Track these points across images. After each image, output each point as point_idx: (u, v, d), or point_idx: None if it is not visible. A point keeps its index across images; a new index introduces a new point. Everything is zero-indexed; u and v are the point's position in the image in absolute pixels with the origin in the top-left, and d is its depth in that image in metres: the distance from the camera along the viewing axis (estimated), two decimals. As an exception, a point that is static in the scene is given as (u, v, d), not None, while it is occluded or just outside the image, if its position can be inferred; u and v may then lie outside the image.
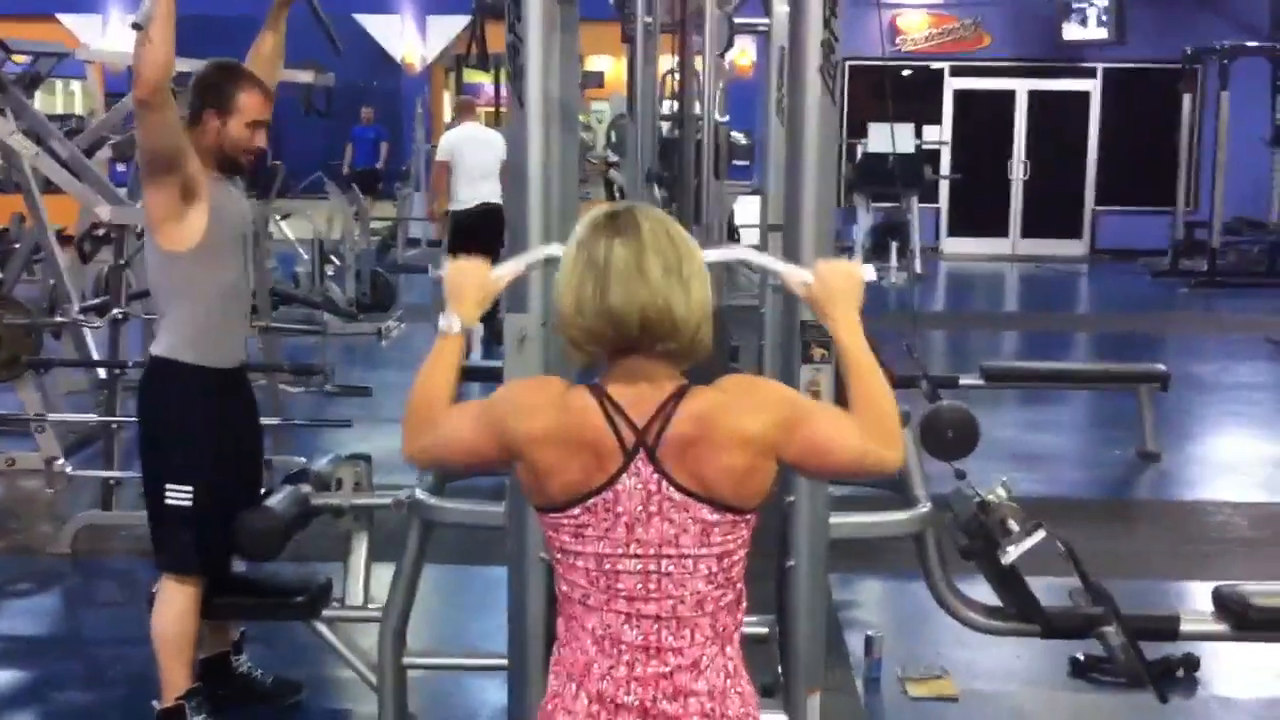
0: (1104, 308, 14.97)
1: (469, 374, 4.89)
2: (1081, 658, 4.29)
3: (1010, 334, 12.60)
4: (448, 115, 19.30)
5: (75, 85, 19.54)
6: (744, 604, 2.12)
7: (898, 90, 17.67)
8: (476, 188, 9.80)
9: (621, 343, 2.04)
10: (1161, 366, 7.57)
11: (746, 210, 11.24)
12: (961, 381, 7.15)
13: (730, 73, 14.35)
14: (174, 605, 3.68)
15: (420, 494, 3.63)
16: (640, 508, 2.01)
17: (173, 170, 3.49)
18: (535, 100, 3.12)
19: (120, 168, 8.90)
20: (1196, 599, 4.77)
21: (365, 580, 3.91)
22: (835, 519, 3.37)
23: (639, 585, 2.02)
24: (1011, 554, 3.42)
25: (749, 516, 2.06)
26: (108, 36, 17.56)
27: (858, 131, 16.34)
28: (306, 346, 9.14)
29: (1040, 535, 3.43)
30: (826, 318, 2.23)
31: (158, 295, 3.74)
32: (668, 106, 9.40)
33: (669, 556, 2.01)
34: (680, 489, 2.00)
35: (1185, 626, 3.73)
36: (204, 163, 3.60)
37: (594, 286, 2.01)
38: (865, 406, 2.12)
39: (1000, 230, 18.38)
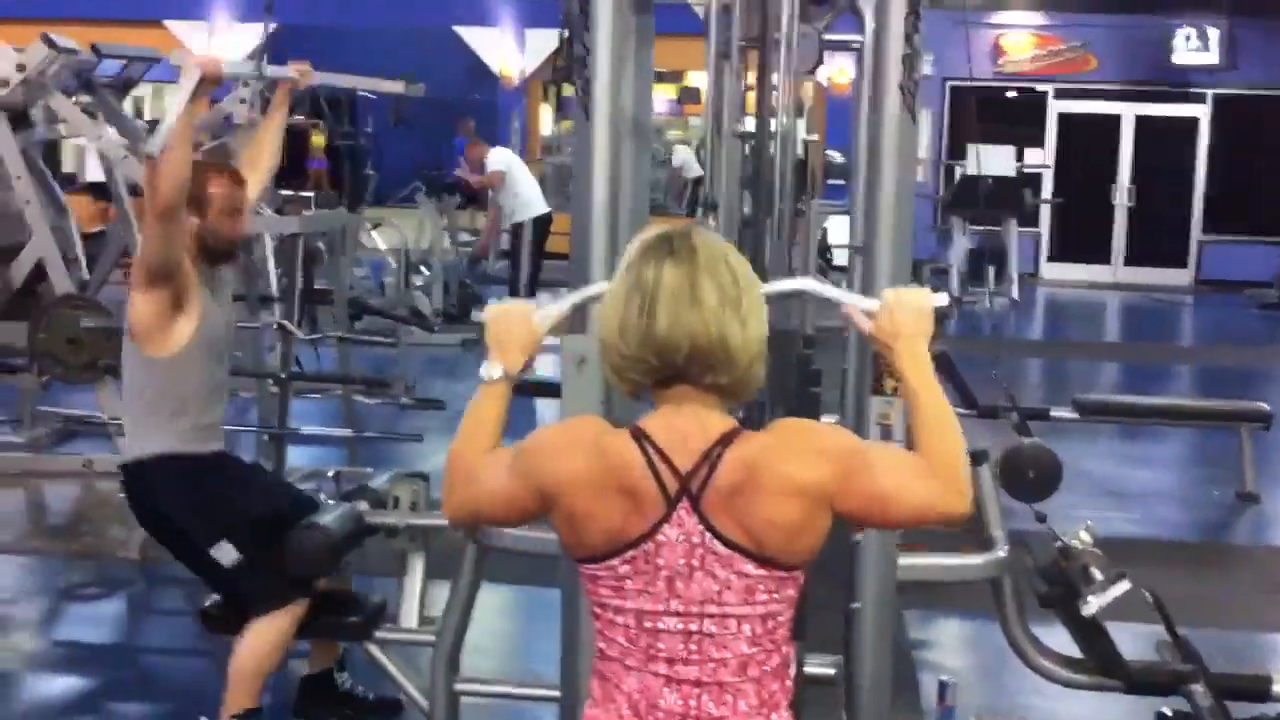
0: (1207, 340, 14.54)
1: (538, 390, 4.78)
2: (1169, 714, 4.06)
3: (1109, 365, 12.23)
4: (546, 129, 19.34)
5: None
6: (792, 668, 1.96)
7: (1000, 112, 17.37)
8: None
9: (667, 372, 1.90)
10: (1265, 405, 7.25)
11: (841, 230, 11.06)
12: (1053, 414, 6.91)
13: (825, 92, 14.17)
14: (264, 639, 3.60)
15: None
16: (682, 561, 1.87)
17: (169, 281, 3.51)
18: (603, 113, 3.00)
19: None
20: (1293, 655, 4.52)
21: (421, 601, 3.81)
22: (905, 560, 3.20)
23: (680, 646, 1.88)
24: (1093, 605, 3.23)
25: (797, 574, 1.91)
26: (213, 42, 17.81)
27: (958, 154, 16.06)
28: (390, 357, 9.10)
29: (1124, 586, 3.24)
30: (890, 351, 2.07)
31: (132, 397, 3.71)
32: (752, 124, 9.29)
33: (711, 616, 1.87)
34: (725, 542, 1.86)
35: (1279, 687, 3.51)
36: (192, 259, 3.61)
37: (640, 310, 1.88)
38: (931, 451, 1.95)
39: (1102, 257, 17.96)
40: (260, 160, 4.15)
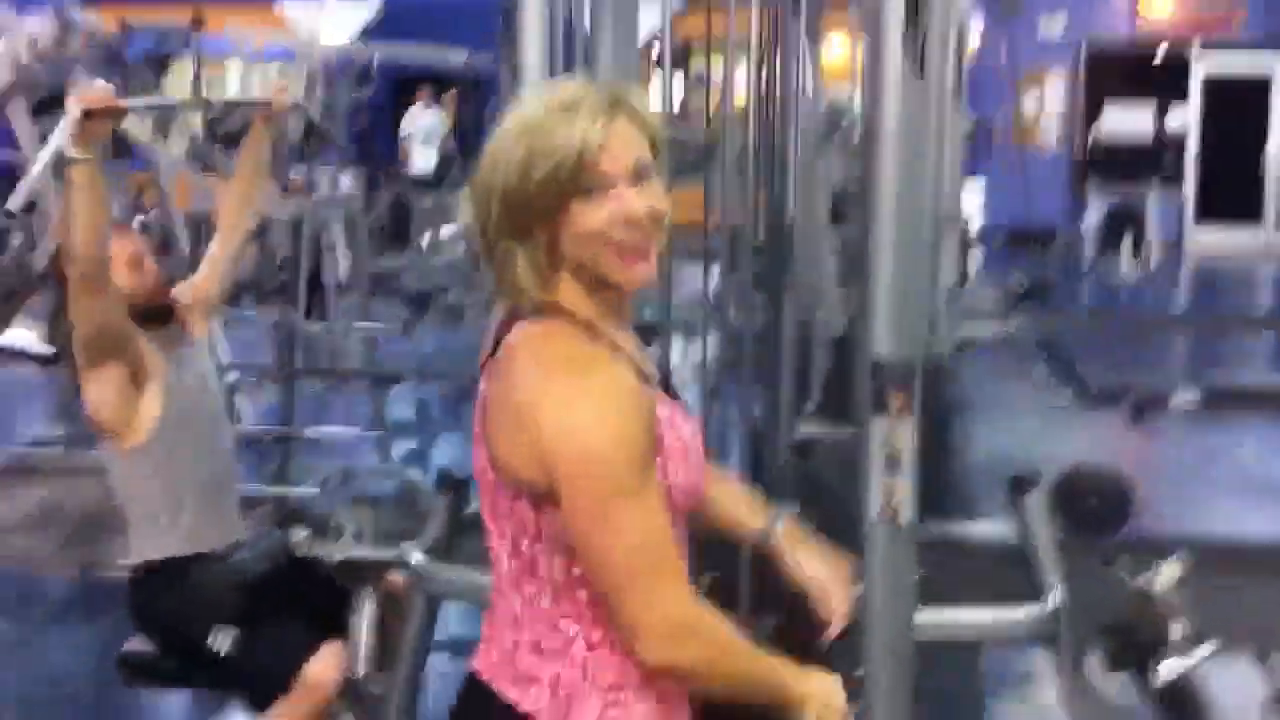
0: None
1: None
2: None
3: (1258, 344, 11.14)
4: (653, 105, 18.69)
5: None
6: None
7: (1139, 72, 16.24)
8: None
9: None
10: None
11: (969, 199, 10.25)
12: (1174, 401, 6.10)
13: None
14: None
15: (418, 558, 2.93)
16: None
17: (118, 354, 3.00)
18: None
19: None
20: None
21: (376, 649, 3.23)
22: (926, 615, 2.54)
23: None
24: (1165, 674, 2.52)
25: None
26: (325, 24, 17.48)
27: (1094, 117, 15.04)
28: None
29: (1209, 649, 2.53)
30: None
31: (124, 501, 3.20)
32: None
33: None
34: None
35: None
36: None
37: None
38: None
39: (1252, 224, 16.68)
40: (237, 211, 3.52)
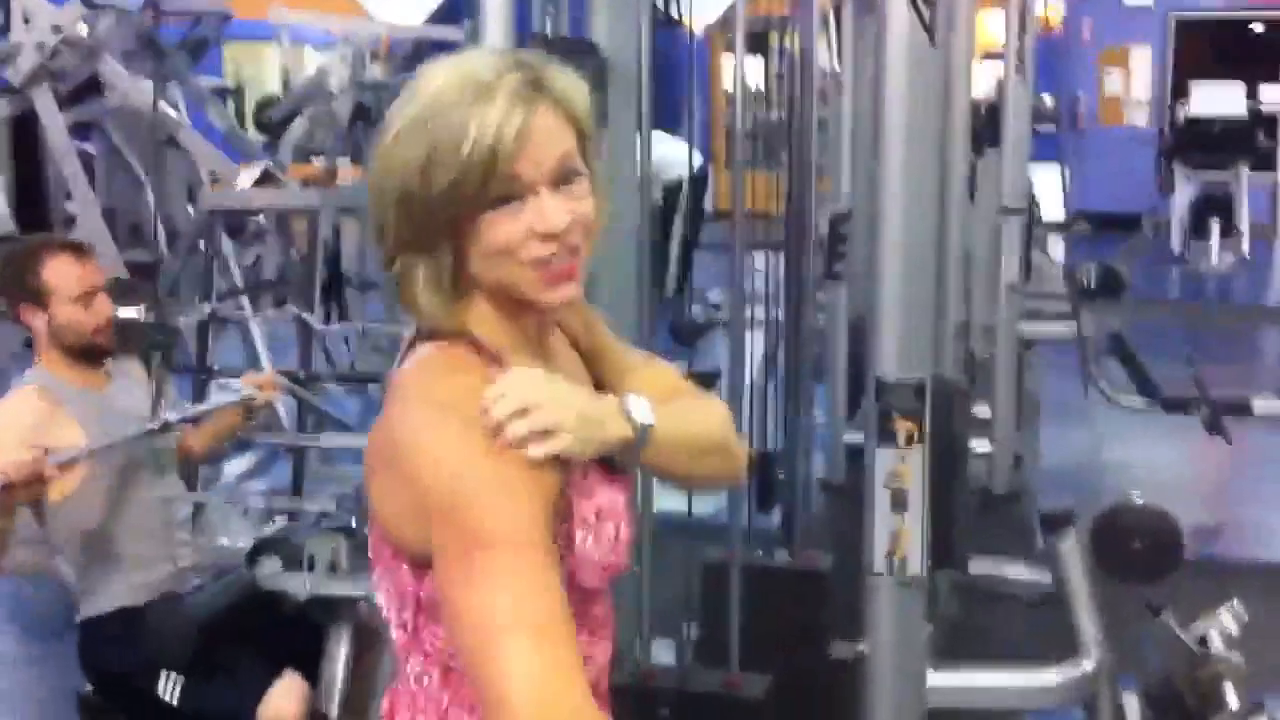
0: None
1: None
2: None
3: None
4: (726, 84, 18.37)
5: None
6: None
7: (1231, 46, 15.59)
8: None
9: None
10: None
11: (1047, 183, 9.77)
12: (1258, 406, 5.65)
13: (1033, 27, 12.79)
14: None
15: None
16: None
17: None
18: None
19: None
20: None
21: (348, 688, 2.97)
22: (940, 679, 2.22)
23: None
24: (1219, 750, 2.18)
25: None
26: (400, 12, 17.30)
27: (1183, 93, 14.44)
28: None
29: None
30: None
31: (62, 557, 2.94)
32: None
33: None
34: None
35: None
36: (59, 366, 2.86)
37: None
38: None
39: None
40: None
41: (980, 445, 5.50)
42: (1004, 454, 5.47)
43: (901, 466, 2.15)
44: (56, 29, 5.85)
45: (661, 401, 1.44)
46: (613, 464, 1.40)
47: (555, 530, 1.31)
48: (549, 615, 1.21)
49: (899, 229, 2.16)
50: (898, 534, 2.16)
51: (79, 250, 2.94)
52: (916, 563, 2.16)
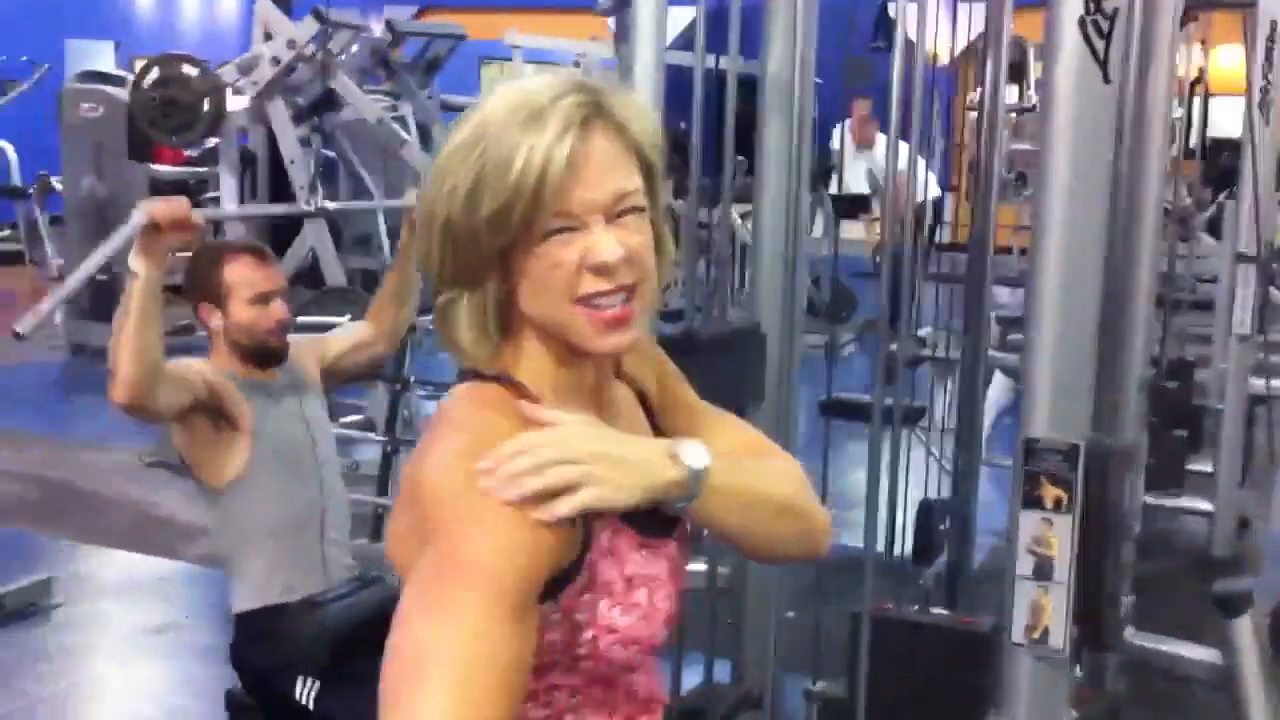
0: None
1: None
2: None
3: None
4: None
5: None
6: None
7: None
8: None
9: None
10: None
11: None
12: None
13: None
14: None
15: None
16: None
17: (197, 412, 2.82)
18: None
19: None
20: None
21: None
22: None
23: None
24: None
25: None
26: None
27: None
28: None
29: None
30: None
31: (213, 541, 3.03)
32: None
33: None
34: None
35: None
36: (230, 364, 2.92)
37: None
38: None
39: None
40: (387, 303, 3.25)
41: (1200, 503, 5.21)
42: (1226, 515, 5.14)
43: (1048, 533, 2.00)
44: (291, 44, 6.06)
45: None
46: (655, 526, 1.29)
47: (574, 600, 1.21)
48: (486, 671, 1.07)
49: (1056, 280, 2.00)
50: (1039, 605, 2.02)
51: (259, 254, 3.00)
52: (1059, 637, 2.01)
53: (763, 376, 3.07)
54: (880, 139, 10.48)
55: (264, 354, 2.96)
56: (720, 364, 2.90)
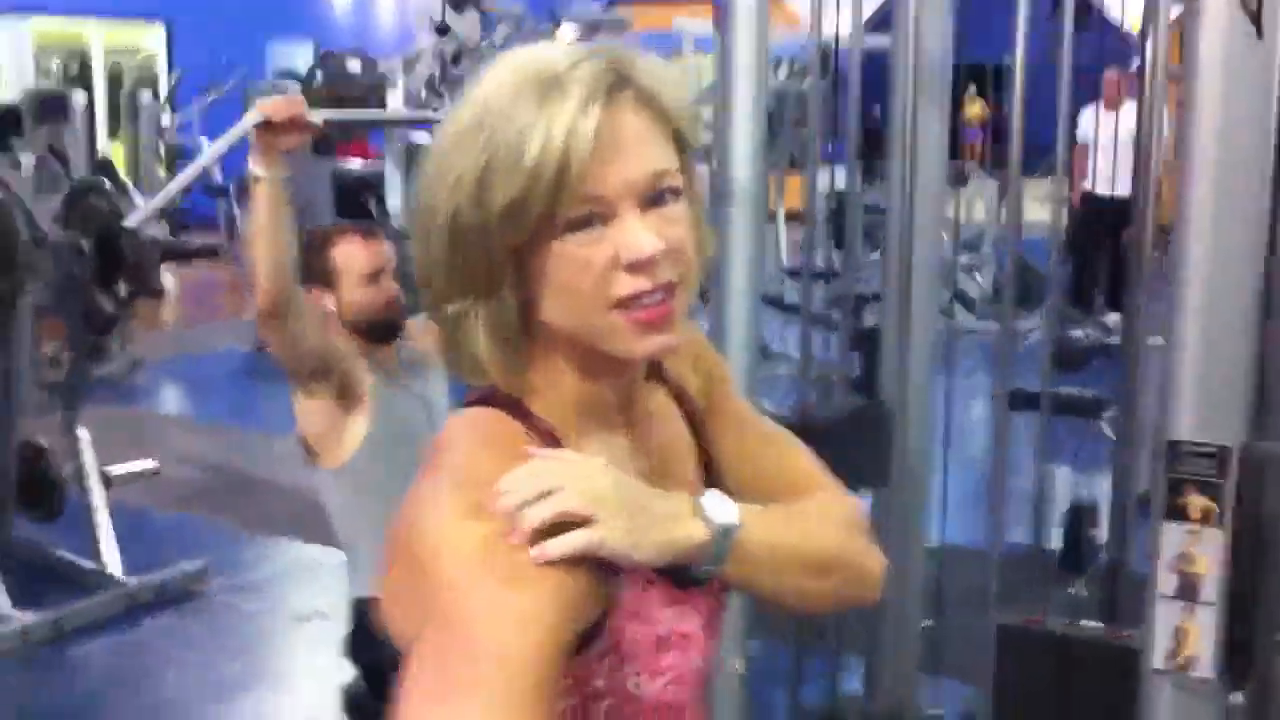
0: None
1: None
2: None
3: None
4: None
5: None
6: None
7: None
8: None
9: None
10: None
11: None
12: None
13: None
14: None
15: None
16: None
17: (321, 375, 2.78)
18: None
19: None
20: None
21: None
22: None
23: None
24: None
25: None
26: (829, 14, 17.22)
27: None
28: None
29: None
30: None
31: (333, 523, 2.98)
32: None
33: None
34: None
35: None
36: (348, 346, 2.86)
37: None
38: None
39: None
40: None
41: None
42: None
43: (1194, 549, 1.79)
44: (453, 36, 6.06)
45: (776, 493, 1.17)
46: (685, 581, 1.10)
47: (594, 665, 1.06)
48: None
49: (1204, 261, 1.79)
50: (1184, 628, 1.81)
51: (367, 232, 2.97)
52: (1207, 665, 1.79)
53: (888, 459, 2.88)
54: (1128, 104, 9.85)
55: (380, 328, 2.91)
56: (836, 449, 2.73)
